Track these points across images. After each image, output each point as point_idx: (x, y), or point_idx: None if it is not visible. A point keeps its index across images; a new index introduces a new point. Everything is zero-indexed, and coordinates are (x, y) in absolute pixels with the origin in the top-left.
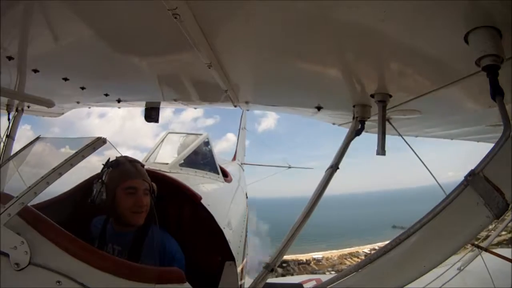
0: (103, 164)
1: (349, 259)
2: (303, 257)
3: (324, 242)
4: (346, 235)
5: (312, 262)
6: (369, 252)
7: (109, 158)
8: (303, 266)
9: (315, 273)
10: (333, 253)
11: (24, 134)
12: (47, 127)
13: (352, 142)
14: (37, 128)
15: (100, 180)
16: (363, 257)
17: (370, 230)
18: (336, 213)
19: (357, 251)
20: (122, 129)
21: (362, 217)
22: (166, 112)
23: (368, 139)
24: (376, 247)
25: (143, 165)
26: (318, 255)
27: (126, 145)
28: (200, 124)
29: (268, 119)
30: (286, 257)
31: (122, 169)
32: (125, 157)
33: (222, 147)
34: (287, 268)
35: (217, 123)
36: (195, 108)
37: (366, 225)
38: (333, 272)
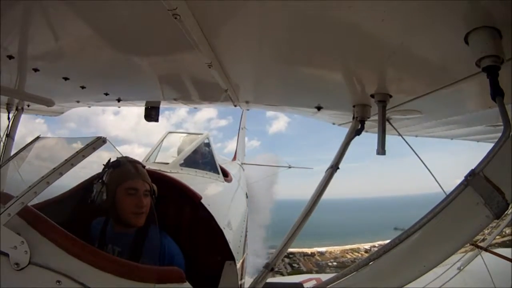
0: (103, 165)
1: (350, 254)
2: (308, 250)
3: (327, 240)
4: (349, 234)
5: (316, 255)
6: (369, 248)
7: (110, 159)
8: (307, 258)
9: (319, 264)
10: (336, 248)
11: (38, 128)
12: (63, 122)
13: (355, 143)
14: (51, 123)
15: (100, 181)
16: (363, 253)
17: (373, 231)
18: (340, 215)
19: (358, 247)
20: (136, 127)
21: (365, 219)
22: (180, 111)
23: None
24: (376, 245)
25: (144, 166)
26: (322, 249)
27: (139, 142)
28: (214, 124)
29: (279, 121)
30: (292, 249)
31: (123, 169)
32: (126, 157)
33: (234, 147)
34: (293, 258)
35: (230, 123)
36: (195, 108)
37: (369, 226)
38: (335, 263)
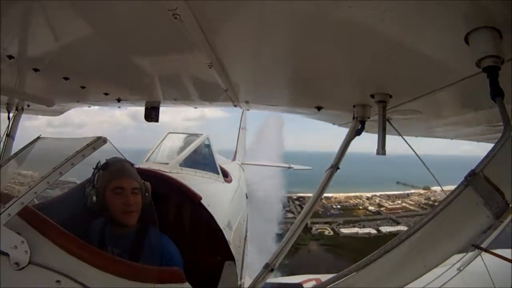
0: (93, 168)
1: (353, 200)
2: None
3: (333, 188)
4: (354, 184)
5: (323, 199)
6: (370, 196)
7: (99, 161)
8: None
9: (325, 206)
10: (340, 195)
11: None
12: None
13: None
14: None
15: (90, 184)
16: (365, 199)
17: (376, 183)
18: (346, 167)
19: (361, 195)
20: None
21: (370, 173)
22: None
23: None
24: (377, 194)
25: (132, 164)
26: (328, 194)
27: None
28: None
29: None
30: (301, 194)
31: (109, 170)
32: (114, 158)
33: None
34: (302, 201)
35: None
36: (196, 108)
37: (373, 179)
38: (339, 206)
